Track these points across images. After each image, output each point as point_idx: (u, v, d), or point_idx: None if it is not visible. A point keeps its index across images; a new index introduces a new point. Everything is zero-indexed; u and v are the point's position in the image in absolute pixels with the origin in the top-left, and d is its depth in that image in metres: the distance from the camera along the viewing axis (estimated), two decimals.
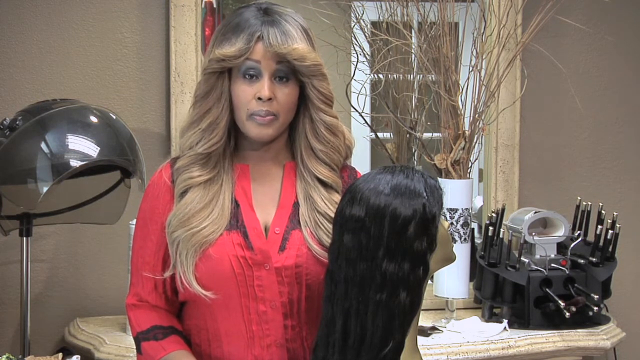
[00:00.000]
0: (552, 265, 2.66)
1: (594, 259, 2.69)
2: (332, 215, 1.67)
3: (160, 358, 1.71)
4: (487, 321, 2.66)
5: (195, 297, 1.69)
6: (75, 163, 2.20)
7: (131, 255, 1.80)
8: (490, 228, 2.64)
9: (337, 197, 1.72)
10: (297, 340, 1.71)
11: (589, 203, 2.79)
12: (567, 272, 2.66)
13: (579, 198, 2.84)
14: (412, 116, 2.82)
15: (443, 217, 1.66)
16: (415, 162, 2.93)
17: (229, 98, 1.70)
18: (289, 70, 1.67)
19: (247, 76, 1.67)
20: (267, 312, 1.69)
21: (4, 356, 2.12)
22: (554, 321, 2.62)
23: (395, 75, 2.84)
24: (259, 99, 1.66)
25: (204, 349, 1.74)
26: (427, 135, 2.77)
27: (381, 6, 2.79)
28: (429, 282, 1.66)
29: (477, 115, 2.64)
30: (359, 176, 1.81)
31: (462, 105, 2.62)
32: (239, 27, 1.66)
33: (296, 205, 1.74)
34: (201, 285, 1.66)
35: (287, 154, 1.78)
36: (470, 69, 2.65)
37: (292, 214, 1.73)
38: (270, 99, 1.66)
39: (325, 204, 1.73)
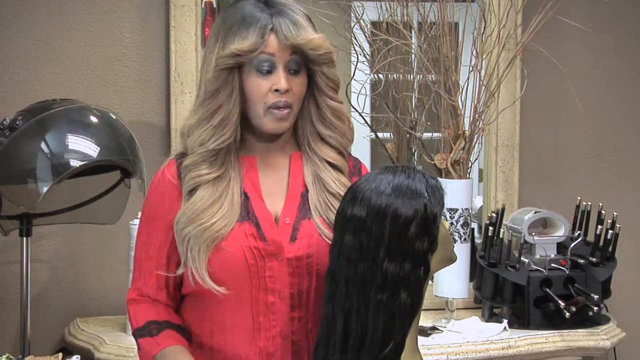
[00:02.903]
0: (552, 265, 2.66)
1: (594, 259, 2.69)
2: (343, 195, 1.66)
3: (155, 354, 1.70)
4: (487, 321, 2.66)
5: (204, 291, 1.68)
6: (75, 163, 2.20)
7: (134, 251, 1.80)
8: (490, 228, 2.64)
9: (344, 180, 1.73)
10: (302, 332, 1.71)
11: (589, 203, 2.79)
12: (567, 272, 2.66)
13: (579, 198, 2.83)
14: (412, 116, 2.82)
15: (444, 218, 1.66)
16: (415, 162, 2.92)
17: (240, 93, 1.69)
18: (301, 61, 1.68)
19: (261, 70, 1.66)
20: (275, 303, 1.68)
21: (4, 356, 2.11)
22: (554, 321, 2.62)
23: (395, 75, 2.84)
24: (276, 90, 1.66)
25: (205, 340, 1.73)
26: (427, 135, 2.77)
27: (381, 6, 2.78)
28: (429, 282, 1.65)
29: (477, 115, 2.64)
30: (363, 167, 1.83)
31: (462, 105, 2.62)
32: (246, 21, 1.65)
33: (304, 195, 1.73)
34: (214, 280, 1.65)
35: (293, 144, 1.78)
36: (470, 69, 2.65)
37: (301, 204, 1.72)
38: (287, 90, 1.66)
39: (336, 184, 1.73)
